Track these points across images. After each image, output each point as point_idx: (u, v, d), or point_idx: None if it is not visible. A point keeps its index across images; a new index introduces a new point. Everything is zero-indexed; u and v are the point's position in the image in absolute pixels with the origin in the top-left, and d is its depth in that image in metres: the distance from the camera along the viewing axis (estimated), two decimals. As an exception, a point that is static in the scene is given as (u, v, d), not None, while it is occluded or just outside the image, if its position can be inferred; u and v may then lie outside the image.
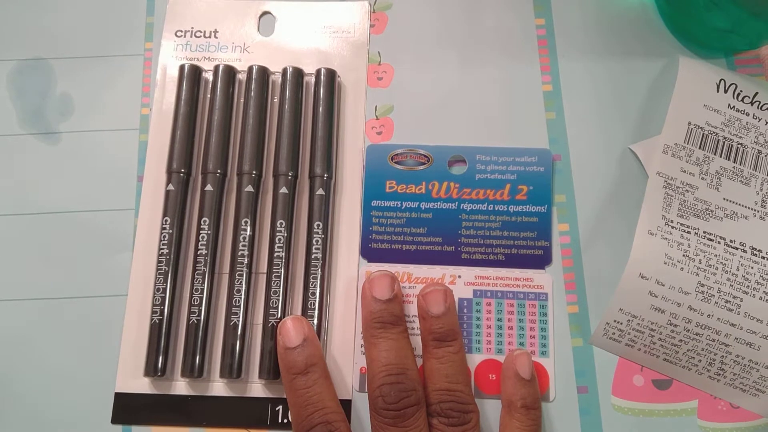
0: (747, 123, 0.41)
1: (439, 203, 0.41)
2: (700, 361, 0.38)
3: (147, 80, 0.44)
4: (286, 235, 0.40)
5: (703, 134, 0.41)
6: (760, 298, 0.38)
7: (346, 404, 0.38)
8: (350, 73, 0.44)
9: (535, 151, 0.41)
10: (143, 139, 0.43)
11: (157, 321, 0.39)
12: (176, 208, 0.40)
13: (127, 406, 0.39)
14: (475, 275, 0.40)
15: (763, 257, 0.39)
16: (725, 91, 0.42)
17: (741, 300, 0.38)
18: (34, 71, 0.44)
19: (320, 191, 0.41)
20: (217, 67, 0.43)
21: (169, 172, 0.41)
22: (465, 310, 0.39)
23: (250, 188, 0.41)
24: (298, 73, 0.43)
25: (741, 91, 0.42)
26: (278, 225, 0.40)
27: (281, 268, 0.39)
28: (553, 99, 0.43)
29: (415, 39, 0.45)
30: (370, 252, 0.41)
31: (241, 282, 0.39)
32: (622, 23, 0.45)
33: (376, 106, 0.44)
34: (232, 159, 0.42)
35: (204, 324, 0.39)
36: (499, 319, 0.39)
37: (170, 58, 0.45)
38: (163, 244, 0.40)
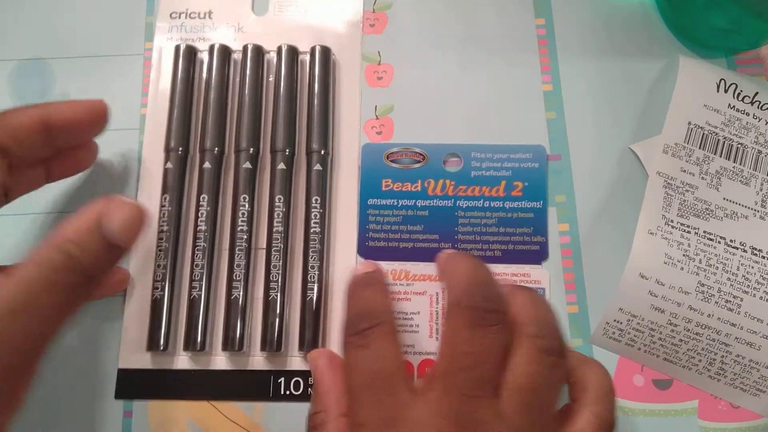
0: (747, 123, 0.41)
1: (435, 201, 0.41)
2: (700, 360, 0.38)
3: (147, 80, 0.44)
4: (284, 210, 0.40)
5: (703, 134, 0.41)
6: (761, 297, 0.38)
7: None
8: (345, 50, 0.45)
9: (530, 147, 0.42)
10: (143, 139, 0.43)
11: (159, 296, 0.39)
12: (175, 185, 0.41)
13: (130, 382, 0.39)
14: None
15: (764, 257, 0.39)
16: (725, 91, 0.42)
17: (741, 300, 0.38)
18: (34, 71, 0.44)
19: (318, 167, 0.41)
20: (212, 47, 0.43)
21: (167, 150, 0.41)
22: None
23: (248, 165, 0.41)
24: (293, 51, 0.43)
25: (741, 90, 0.42)
26: (277, 200, 0.40)
27: (280, 242, 0.39)
28: (553, 99, 0.43)
29: (415, 39, 0.45)
30: (367, 250, 0.41)
31: (241, 257, 0.39)
32: (622, 23, 0.45)
33: (375, 106, 0.44)
34: (229, 137, 0.42)
35: (205, 298, 0.39)
36: None
37: (165, 40, 0.45)
38: (163, 221, 0.40)
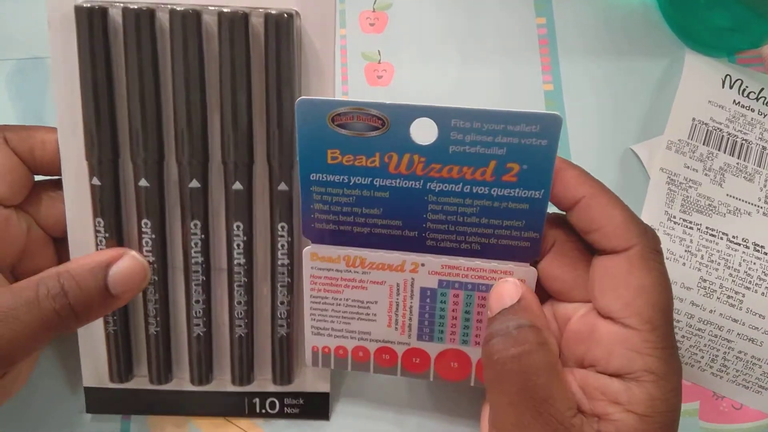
0: (752, 119, 0.41)
1: (398, 180, 0.31)
2: (702, 357, 0.38)
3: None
4: (245, 239, 0.34)
5: (708, 130, 0.41)
6: (762, 293, 0.38)
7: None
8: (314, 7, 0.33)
9: (538, 117, 0.28)
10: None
11: (113, 331, 0.35)
12: (109, 208, 0.33)
13: (99, 399, 0.37)
14: (442, 264, 0.33)
15: (766, 253, 0.39)
16: (731, 87, 0.42)
17: (743, 296, 0.38)
18: (34, 71, 0.44)
19: (282, 186, 0.33)
20: (125, 11, 0.31)
21: (90, 160, 0.33)
22: (428, 300, 0.34)
23: (195, 183, 0.33)
24: (242, 21, 0.31)
25: (747, 87, 0.42)
26: (235, 228, 0.33)
27: (243, 276, 0.34)
28: (554, 98, 0.43)
29: (415, 38, 0.45)
30: (314, 233, 0.33)
31: (199, 292, 0.34)
32: (624, 22, 0.45)
33: (375, 105, 0.43)
34: (168, 139, 0.33)
35: (164, 335, 0.35)
36: (467, 312, 0.34)
37: None
38: (101, 249, 0.34)
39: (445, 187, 0.31)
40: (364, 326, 0.35)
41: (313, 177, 0.31)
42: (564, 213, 0.31)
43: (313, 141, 0.30)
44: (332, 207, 0.32)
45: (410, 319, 0.34)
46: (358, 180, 0.31)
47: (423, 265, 0.33)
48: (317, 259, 0.33)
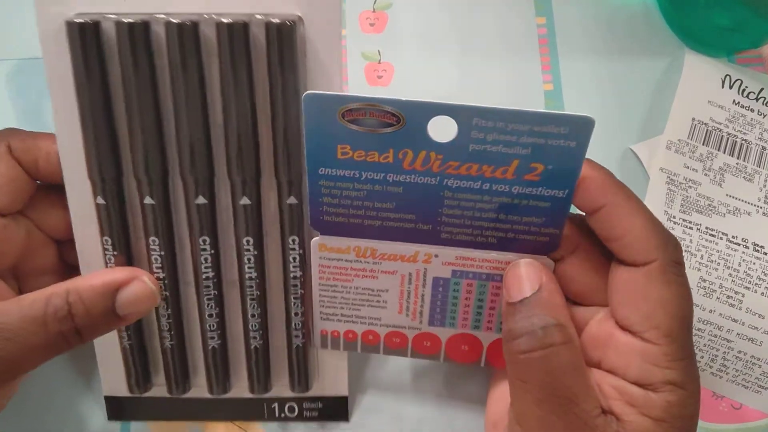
0: (752, 119, 0.41)
1: (413, 176, 0.30)
2: (702, 357, 0.38)
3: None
4: (255, 252, 0.33)
5: (707, 130, 0.41)
6: (762, 293, 0.38)
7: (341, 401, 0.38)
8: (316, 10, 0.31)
9: (568, 118, 0.28)
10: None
11: (128, 345, 0.34)
12: (116, 227, 0.32)
13: (120, 406, 0.37)
14: (457, 256, 0.32)
15: (766, 253, 0.39)
16: (730, 87, 0.42)
17: (743, 296, 0.38)
18: (34, 71, 0.44)
19: (292, 199, 0.32)
20: (119, 24, 0.29)
21: (92, 179, 0.32)
22: (440, 289, 0.33)
23: (201, 199, 0.32)
24: (241, 31, 0.29)
25: (746, 87, 0.42)
26: (245, 243, 0.33)
27: (255, 289, 0.34)
28: (554, 98, 0.43)
29: (415, 38, 0.45)
30: (323, 225, 0.32)
31: (212, 306, 0.34)
32: (624, 22, 0.45)
33: (375, 105, 0.43)
34: (170, 154, 0.32)
35: (179, 348, 0.35)
36: (480, 300, 0.33)
37: (51, 6, 0.30)
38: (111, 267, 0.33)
39: (463, 183, 0.30)
40: (374, 312, 0.34)
41: (321, 171, 0.30)
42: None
43: (321, 136, 0.29)
44: (342, 200, 0.31)
45: (422, 306, 0.34)
46: (370, 175, 0.30)
47: (436, 256, 0.32)
48: (326, 250, 0.33)
